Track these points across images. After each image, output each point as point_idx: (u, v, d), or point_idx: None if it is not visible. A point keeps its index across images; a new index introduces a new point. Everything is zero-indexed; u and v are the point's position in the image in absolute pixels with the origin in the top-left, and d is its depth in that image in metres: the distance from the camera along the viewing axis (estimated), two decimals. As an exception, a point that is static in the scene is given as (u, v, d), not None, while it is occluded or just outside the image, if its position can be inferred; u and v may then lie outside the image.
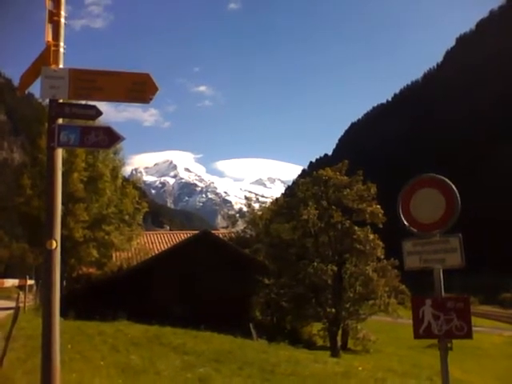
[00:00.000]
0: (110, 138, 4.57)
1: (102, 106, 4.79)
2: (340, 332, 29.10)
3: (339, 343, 28.61)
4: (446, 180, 5.02)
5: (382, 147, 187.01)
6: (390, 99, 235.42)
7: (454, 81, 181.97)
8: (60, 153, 4.50)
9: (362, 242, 27.94)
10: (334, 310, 27.67)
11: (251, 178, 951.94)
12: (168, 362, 11.32)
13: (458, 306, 4.75)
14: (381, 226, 28.22)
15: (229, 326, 19.05)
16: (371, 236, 28.12)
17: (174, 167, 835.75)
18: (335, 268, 28.29)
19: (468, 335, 4.70)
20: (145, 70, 4.72)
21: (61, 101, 4.54)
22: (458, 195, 4.88)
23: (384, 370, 14.25)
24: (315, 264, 27.85)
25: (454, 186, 4.93)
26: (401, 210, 5.24)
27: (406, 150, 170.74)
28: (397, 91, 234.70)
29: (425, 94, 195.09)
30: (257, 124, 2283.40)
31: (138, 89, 4.62)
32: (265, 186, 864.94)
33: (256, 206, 40.35)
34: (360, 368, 13.86)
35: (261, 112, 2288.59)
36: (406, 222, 5.20)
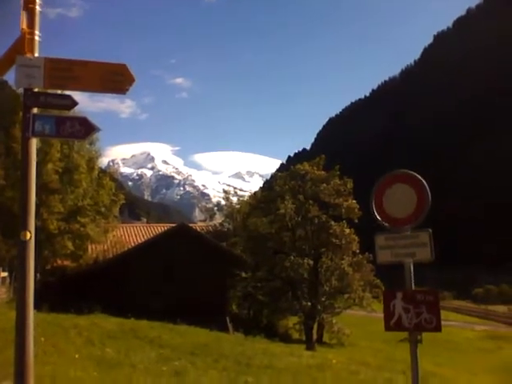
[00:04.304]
0: (86, 128, 4.52)
1: (76, 95, 4.73)
2: (315, 325, 29.39)
3: (315, 337, 28.92)
4: (418, 176, 5.12)
5: (359, 142, 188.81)
6: (368, 94, 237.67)
7: (431, 77, 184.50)
8: (34, 143, 4.44)
9: (337, 237, 28.25)
10: (309, 303, 27.93)
11: (230, 172, 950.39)
12: (143, 354, 11.29)
13: (428, 299, 4.85)
14: (356, 220, 28.57)
15: (205, 320, 19.04)
16: (347, 230, 28.46)
17: (152, 159, 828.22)
18: (311, 262, 28.55)
19: (437, 328, 4.81)
20: (120, 61, 4.68)
21: (36, 90, 4.48)
22: (428, 191, 4.99)
23: (358, 363, 14.45)
24: (292, 258, 28.06)
25: (425, 182, 5.03)
26: (374, 205, 5.33)
27: (384, 146, 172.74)
28: (375, 87, 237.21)
29: (402, 89, 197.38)
30: (235, 117, 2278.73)
31: (115, 79, 4.58)
32: (243, 179, 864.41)
33: (234, 199, 40.37)
34: (334, 361, 14.02)
35: (239, 105, 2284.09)
36: (378, 217, 5.29)
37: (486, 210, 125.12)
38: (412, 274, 5.00)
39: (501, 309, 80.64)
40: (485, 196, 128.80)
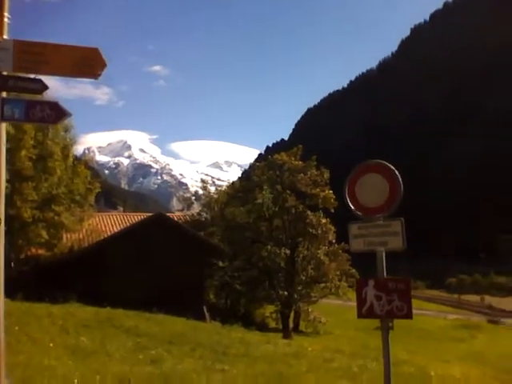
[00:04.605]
0: (57, 113, 4.43)
1: (50, 81, 4.63)
2: (292, 314, 29.70)
3: (291, 325, 29.24)
4: (390, 166, 5.19)
5: (336, 133, 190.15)
6: (345, 86, 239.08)
7: (408, 69, 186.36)
8: (4, 127, 4.35)
9: (314, 226, 28.55)
10: (286, 292, 28.20)
11: (208, 161, 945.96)
12: (119, 343, 11.26)
13: (399, 287, 4.94)
14: (333, 210, 28.87)
15: (182, 309, 19.04)
16: (323, 220, 28.80)
17: (129, 147, 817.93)
18: (288, 251, 28.81)
19: (408, 315, 4.91)
20: (97, 47, 4.58)
21: (5, 73, 4.38)
22: (400, 181, 5.06)
23: (332, 351, 14.64)
24: (269, 247, 28.27)
25: (397, 172, 5.10)
26: (347, 195, 5.39)
27: (360, 137, 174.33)
28: (353, 78, 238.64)
29: (380, 81, 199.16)
30: (214, 106, 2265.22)
31: (86, 63, 4.48)
32: (221, 169, 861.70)
33: (212, 189, 40.27)
34: (309, 349, 14.21)
35: (219, 94, 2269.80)
36: (351, 206, 5.36)
37: (460, 201, 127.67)
38: (384, 263, 5.08)
39: (474, 298, 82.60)
40: (459, 188, 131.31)
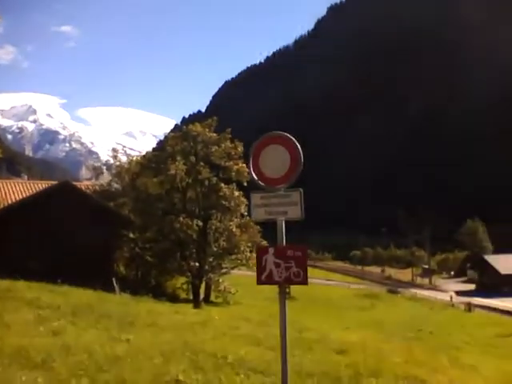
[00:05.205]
0: None
1: None
2: (203, 285, 30.05)
3: (202, 296, 29.60)
4: (292, 138, 5.36)
5: (252, 107, 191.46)
6: (262, 61, 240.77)
7: (322, 47, 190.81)
8: None
9: (227, 199, 28.87)
10: (197, 263, 28.43)
11: (121, 130, 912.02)
12: (19, 316, 10.79)
13: (297, 255, 5.17)
14: (246, 184, 29.31)
15: (90, 281, 18.55)
16: (236, 193, 29.18)
17: (34, 112, 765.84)
18: (201, 223, 28.95)
19: (304, 281, 5.17)
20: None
21: None
22: (301, 152, 5.27)
23: (240, 319, 15.04)
24: (181, 219, 28.19)
25: (298, 144, 5.30)
26: (251, 165, 5.51)
27: (275, 111, 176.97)
28: (269, 54, 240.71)
29: (296, 58, 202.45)
30: (130, 72, 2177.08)
31: (-25, 17, 4.14)
32: (135, 138, 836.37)
33: (124, 158, 39.14)
34: (217, 317, 14.49)
35: (134, 59, 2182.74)
36: (255, 177, 5.49)
37: (368, 177, 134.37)
38: (284, 231, 5.30)
39: (375, 270, 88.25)
40: (365, 165, 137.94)
